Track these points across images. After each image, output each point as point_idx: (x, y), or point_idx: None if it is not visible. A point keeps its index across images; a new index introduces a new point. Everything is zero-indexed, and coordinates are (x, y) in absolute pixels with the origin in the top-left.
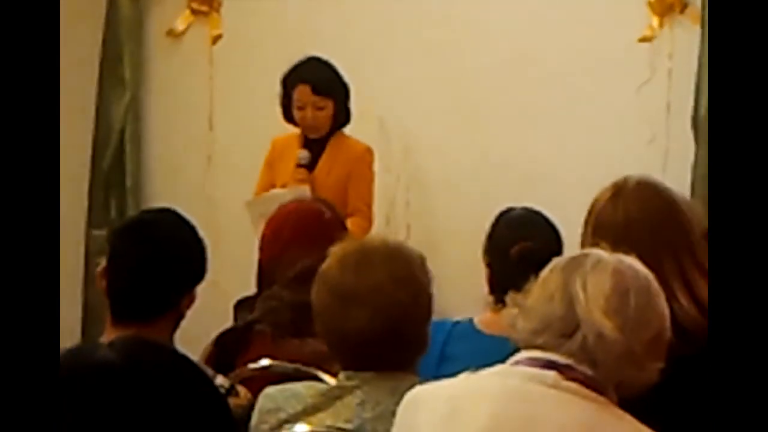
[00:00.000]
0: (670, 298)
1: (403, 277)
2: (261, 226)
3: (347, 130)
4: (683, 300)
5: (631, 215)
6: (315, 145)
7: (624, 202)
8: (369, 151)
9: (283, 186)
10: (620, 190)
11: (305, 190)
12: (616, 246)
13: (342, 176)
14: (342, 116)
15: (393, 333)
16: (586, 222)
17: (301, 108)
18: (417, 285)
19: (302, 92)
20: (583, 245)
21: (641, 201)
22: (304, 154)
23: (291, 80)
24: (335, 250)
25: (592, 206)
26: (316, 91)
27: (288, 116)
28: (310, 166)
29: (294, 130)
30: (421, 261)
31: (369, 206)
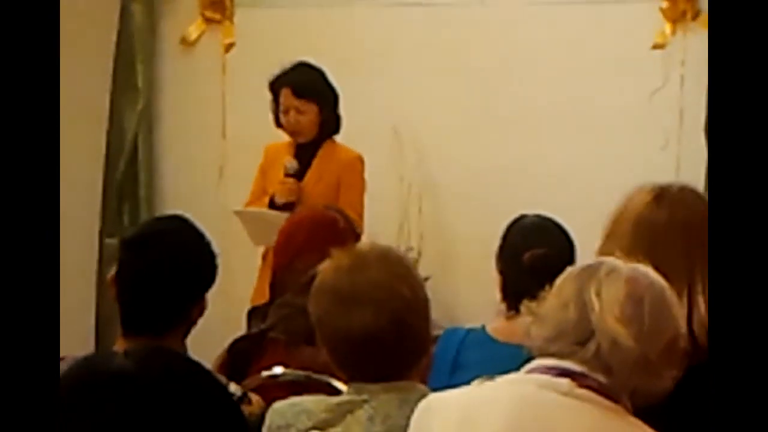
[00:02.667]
0: (692, 304)
1: (400, 274)
2: (251, 228)
3: (362, 136)
4: (702, 305)
5: (675, 216)
6: (305, 153)
7: (669, 204)
8: (359, 159)
9: (272, 197)
10: (663, 193)
11: None
12: (653, 246)
13: (332, 184)
14: (331, 123)
15: (399, 328)
16: (615, 222)
17: (285, 112)
18: (414, 280)
19: (285, 96)
20: (606, 245)
21: (685, 204)
22: (291, 164)
23: (276, 85)
24: (326, 263)
25: (625, 208)
26: (296, 94)
27: (278, 122)
28: (300, 174)
29: (287, 138)
30: (412, 263)
31: (360, 215)
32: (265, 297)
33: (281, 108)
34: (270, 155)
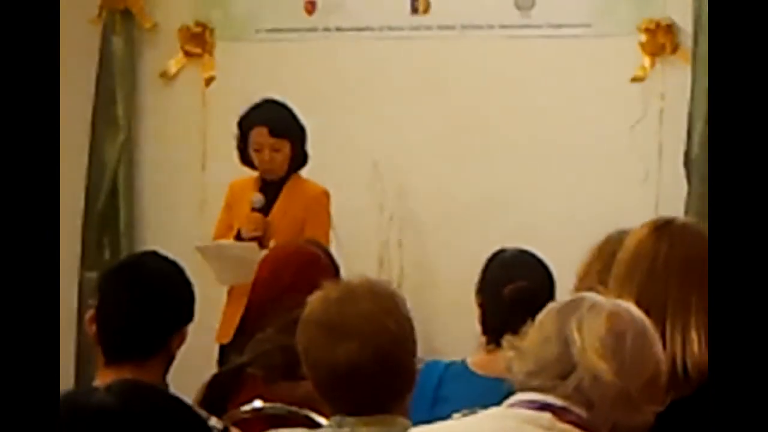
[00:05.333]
0: (685, 337)
1: (388, 308)
2: (215, 265)
3: (341, 170)
4: (696, 341)
5: (675, 250)
6: (271, 188)
7: (670, 237)
8: (325, 194)
9: (238, 231)
10: (665, 227)
11: (254, 249)
12: (650, 277)
13: (298, 218)
14: (299, 158)
15: (383, 363)
16: (600, 253)
17: (258, 150)
18: (402, 316)
19: (259, 134)
20: (589, 280)
21: (686, 238)
22: (257, 198)
23: (247, 122)
24: (316, 294)
25: (610, 242)
26: (273, 133)
27: (245, 159)
28: (265, 209)
29: (251, 174)
30: (402, 298)
31: None
32: (230, 334)
33: (253, 146)
34: (235, 191)
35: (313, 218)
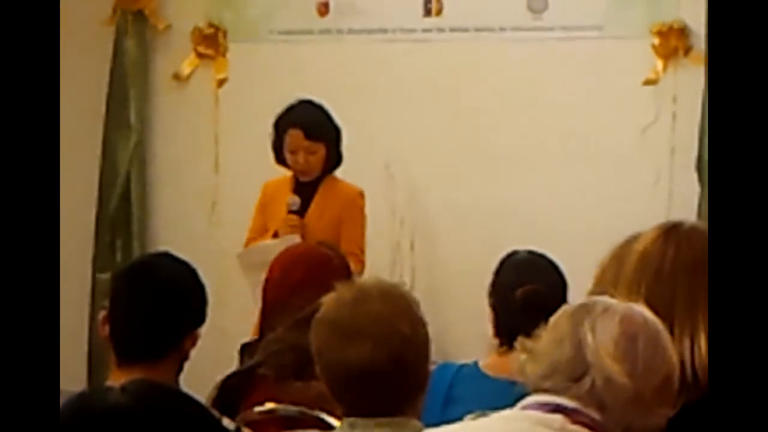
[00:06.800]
0: (693, 341)
1: (402, 310)
2: (253, 277)
3: (354, 172)
4: (704, 345)
5: (682, 253)
6: (306, 189)
7: (677, 240)
8: (361, 195)
9: (275, 234)
10: (672, 230)
11: (296, 240)
12: (657, 280)
13: (334, 220)
14: (333, 159)
15: (396, 365)
16: (615, 257)
17: (293, 152)
18: (415, 318)
19: (294, 136)
20: (602, 283)
21: (693, 242)
22: (294, 200)
23: (283, 124)
24: (330, 295)
25: (625, 246)
26: (308, 135)
27: (280, 159)
28: (301, 210)
29: (286, 173)
30: (416, 300)
31: (362, 250)
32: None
33: (288, 147)
34: (269, 192)
35: (348, 219)
